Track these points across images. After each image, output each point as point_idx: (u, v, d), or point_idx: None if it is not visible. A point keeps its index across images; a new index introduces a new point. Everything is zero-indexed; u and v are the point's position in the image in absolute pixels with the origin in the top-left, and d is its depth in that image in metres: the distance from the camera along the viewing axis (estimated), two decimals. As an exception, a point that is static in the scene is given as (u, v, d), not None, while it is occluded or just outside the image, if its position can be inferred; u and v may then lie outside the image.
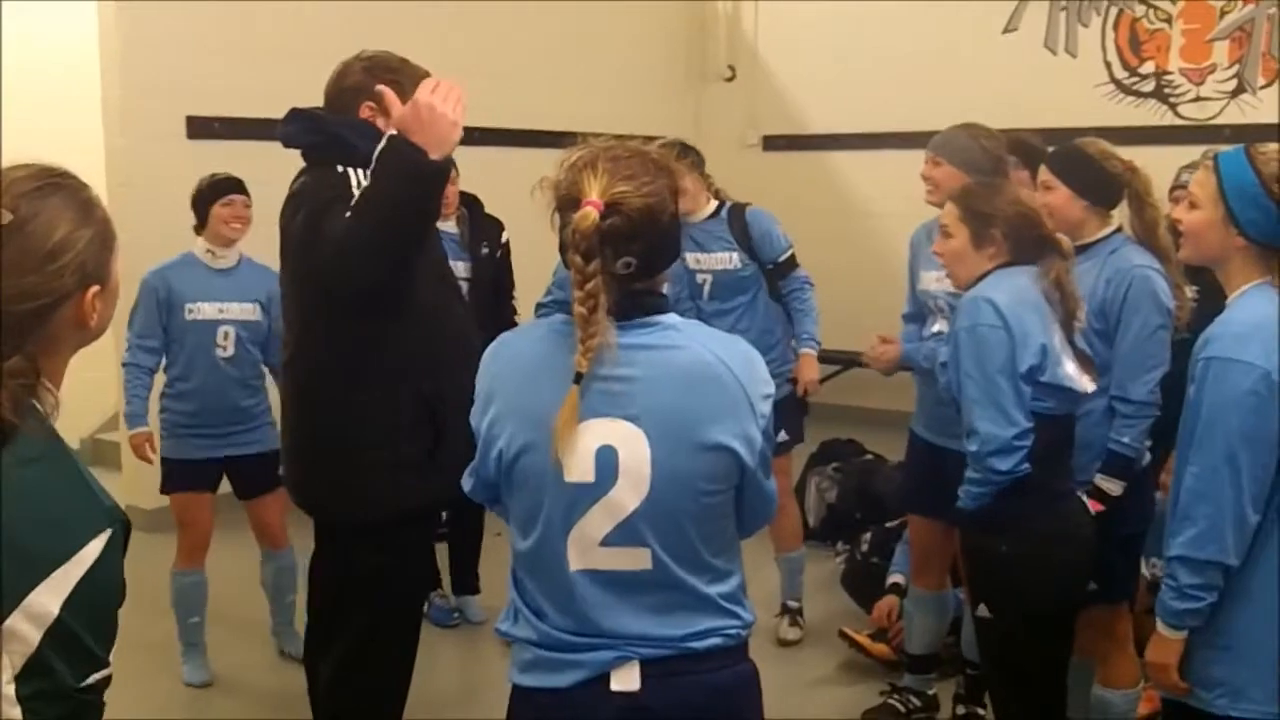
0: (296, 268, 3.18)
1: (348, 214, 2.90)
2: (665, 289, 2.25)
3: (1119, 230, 3.70)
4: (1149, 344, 3.55)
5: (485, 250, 5.26)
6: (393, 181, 2.82)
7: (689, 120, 9.61)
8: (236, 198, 4.77)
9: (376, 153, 2.85)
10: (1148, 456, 3.72)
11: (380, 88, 3.06)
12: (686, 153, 4.86)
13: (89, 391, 7.43)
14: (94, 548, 1.58)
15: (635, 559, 2.13)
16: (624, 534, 2.11)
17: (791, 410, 4.91)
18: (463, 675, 5.21)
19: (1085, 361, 3.31)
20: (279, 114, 6.62)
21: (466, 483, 2.32)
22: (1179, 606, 2.59)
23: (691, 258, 4.89)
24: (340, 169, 3.11)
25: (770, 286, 4.98)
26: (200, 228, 4.80)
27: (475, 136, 7.19)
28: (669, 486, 2.10)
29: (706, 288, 4.94)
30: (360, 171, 3.03)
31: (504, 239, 5.36)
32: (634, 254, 2.09)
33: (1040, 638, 3.31)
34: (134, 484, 6.58)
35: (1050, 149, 3.90)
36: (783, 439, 4.87)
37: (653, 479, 2.09)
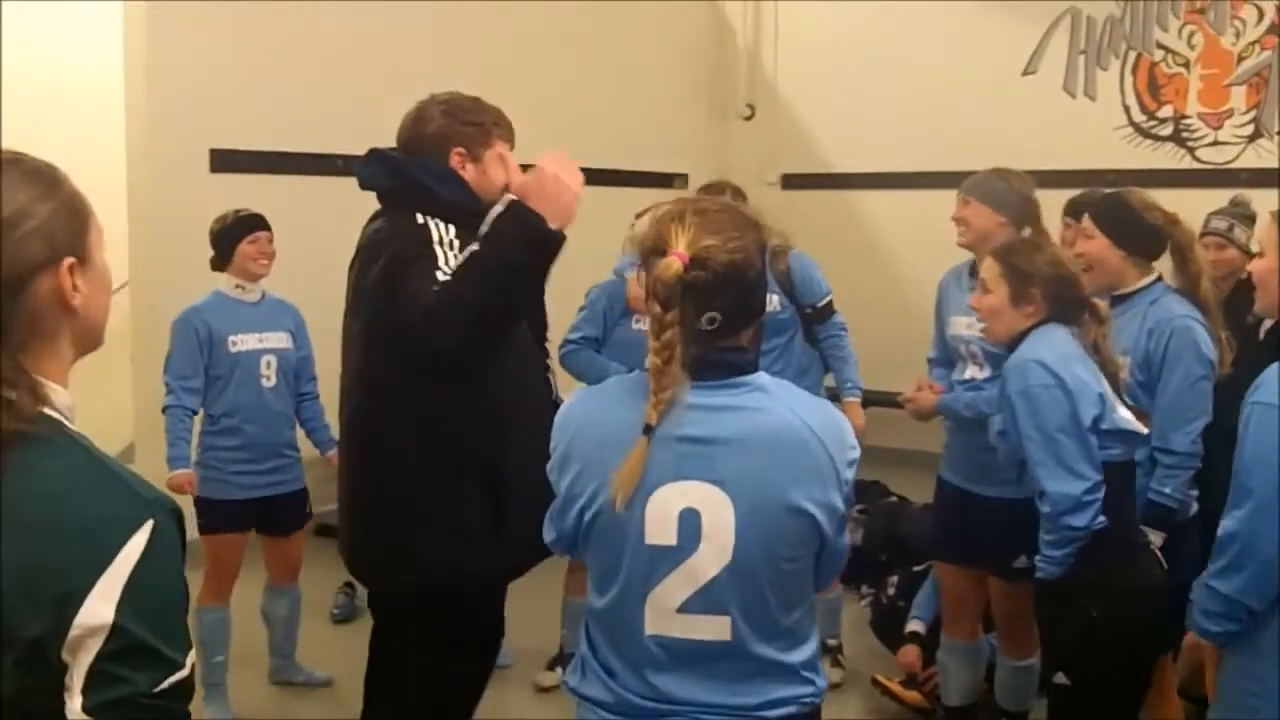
0: (371, 321, 3.03)
1: (447, 273, 2.78)
2: (749, 343, 2.19)
3: (1159, 280, 3.71)
4: (1190, 394, 3.56)
5: None
6: (511, 247, 2.71)
7: (709, 158, 9.64)
8: (262, 234, 4.80)
9: (493, 216, 2.75)
10: (1194, 507, 3.72)
11: (502, 151, 3.02)
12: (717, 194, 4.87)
13: (107, 423, 7.48)
14: (137, 542, 1.49)
15: (714, 628, 2.10)
16: (704, 600, 2.08)
17: None
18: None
19: (1134, 410, 3.29)
20: (303, 148, 6.83)
21: (548, 533, 2.27)
22: (1208, 627, 2.64)
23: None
24: (420, 219, 2.97)
25: (806, 330, 4.97)
26: (223, 263, 4.81)
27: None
28: (751, 553, 2.07)
29: None
30: (440, 222, 2.94)
31: None
32: (718, 309, 2.07)
33: (1123, 700, 3.26)
34: None
35: (1095, 199, 3.90)
36: None
37: (736, 544, 2.06)
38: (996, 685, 4.22)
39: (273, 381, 4.82)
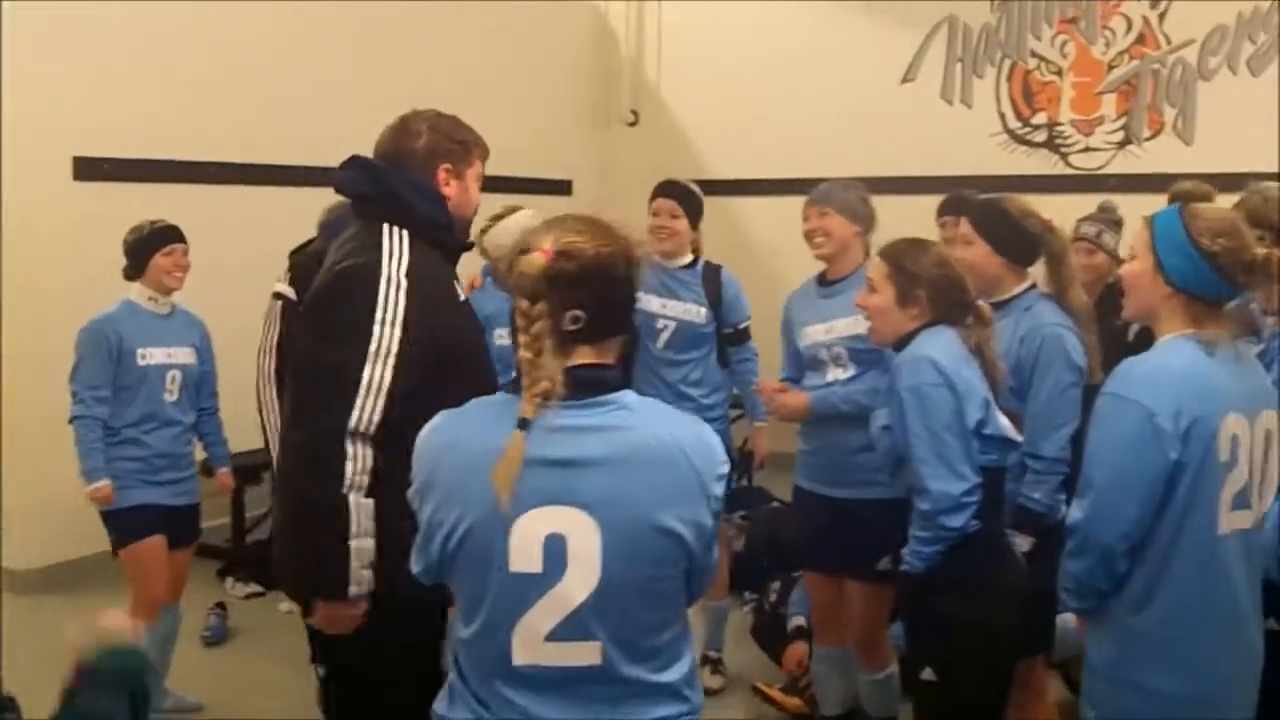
0: (316, 330, 2.91)
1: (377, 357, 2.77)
2: (616, 360, 2.15)
3: (1033, 287, 3.74)
4: (1060, 401, 3.60)
5: None
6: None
7: (594, 164, 9.62)
8: (178, 246, 4.74)
9: None
10: (1063, 510, 3.75)
11: (479, 171, 3.04)
12: (685, 195, 4.94)
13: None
14: None
15: (584, 653, 2.05)
16: (572, 627, 2.03)
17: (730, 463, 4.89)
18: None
19: (1009, 415, 3.32)
20: (171, 155, 6.61)
21: (415, 564, 2.21)
22: (1068, 601, 2.85)
23: (658, 302, 4.88)
24: (386, 229, 2.92)
25: (720, 350, 4.97)
26: (136, 274, 4.73)
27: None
28: (620, 575, 2.02)
29: (666, 334, 4.90)
30: (403, 233, 2.89)
31: None
32: (581, 304, 2.04)
33: (988, 698, 3.28)
34: (12, 545, 6.37)
35: (973, 204, 3.91)
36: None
37: (603, 568, 2.01)
38: (861, 697, 4.23)
39: (175, 396, 4.75)
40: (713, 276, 4.92)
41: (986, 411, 3.19)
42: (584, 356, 2.08)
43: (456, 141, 3.06)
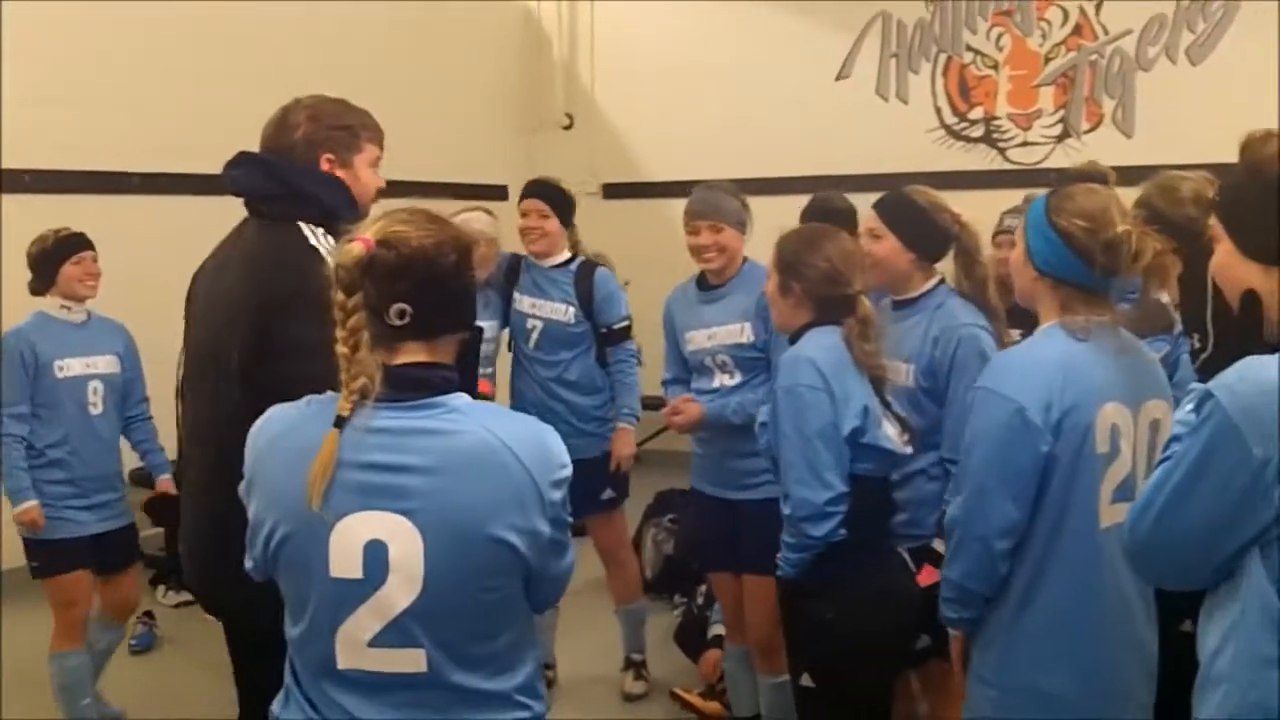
0: (243, 320, 2.69)
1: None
2: (446, 358, 2.06)
3: (942, 283, 3.64)
4: None
5: None
6: None
7: (528, 168, 9.49)
8: (86, 254, 4.60)
9: None
10: None
11: (372, 155, 2.90)
12: (554, 194, 4.86)
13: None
14: None
15: (408, 661, 1.96)
16: (395, 635, 1.95)
17: (606, 471, 4.84)
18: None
19: (903, 424, 3.24)
20: (95, 165, 6.47)
21: (247, 560, 2.12)
22: (948, 614, 2.78)
23: (528, 301, 4.86)
24: (305, 231, 2.77)
25: (599, 350, 4.88)
26: (45, 287, 4.58)
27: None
28: (445, 584, 1.93)
29: (535, 334, 4.87)
30: (319, 231, 2.75)
31: None
32: (405, 298, 1.94)
33: (866, 702, 3.22)
34: None
35: (881, 196, 3.81)
36: (608, 496, 4.85)
37: (427, 576, 1.92)
38: (761, 702, 4.17)
39: (100, 409, 4.60)
40: (586, 275, 4.84)
41: (865, 419, 3.10)
42: (414, 354, 2.00)
43: (339, 128, 2.91)
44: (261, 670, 2.90)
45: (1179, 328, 3.26)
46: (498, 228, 4.93)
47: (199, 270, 2.96)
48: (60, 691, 4.57)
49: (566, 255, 4.90)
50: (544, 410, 4.68)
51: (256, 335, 2.64)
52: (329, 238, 2.76)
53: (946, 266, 3.66)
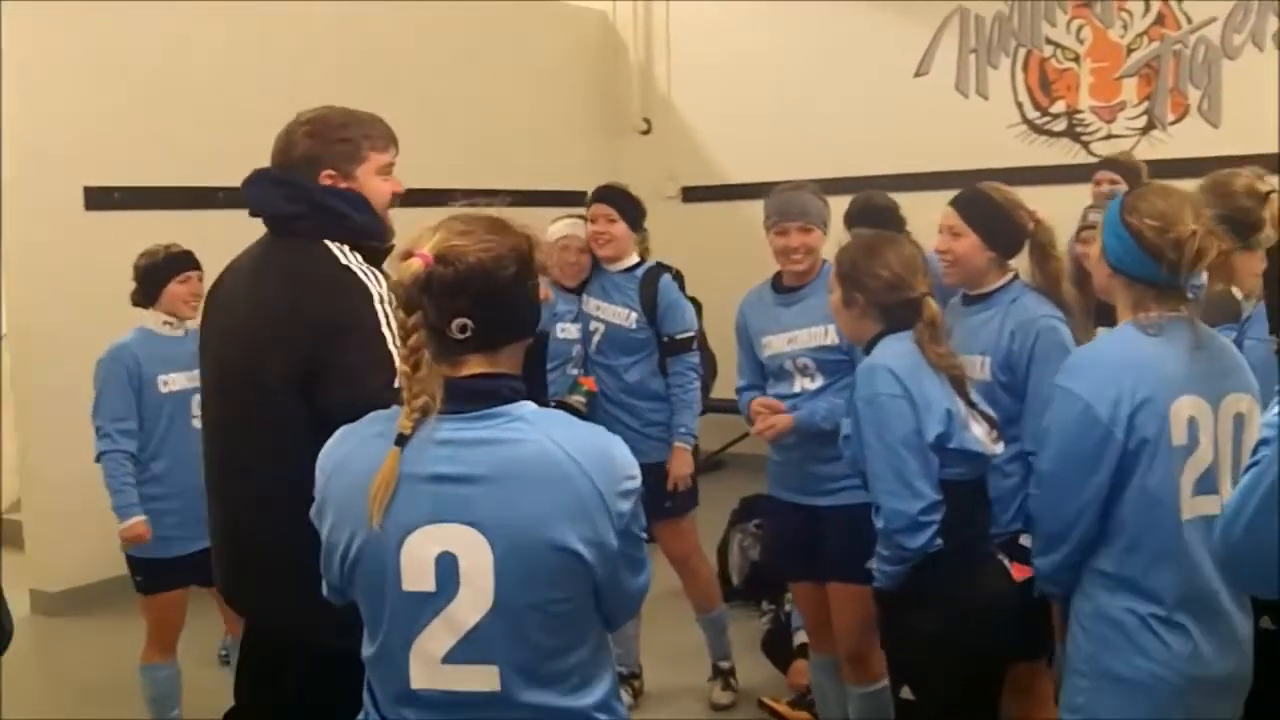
0: (268, 332, 2.72)
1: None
2: (511, 368, 2.05)
3: (1016, 278, 3.63)
4: None
5: None
6: None
7: (607, 173, 9.50)
8: (193, 274, 4.59)
9: None
10: None
11: (380, 161, 2.85)
12: (621, 199, 4.86)
13: (-9, 474, 7.23)
14: None
15: (482, 678, 1.96)
16: (468, 650, 1.94)
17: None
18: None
19: (990, 422, 3.19)
20: (179, 182, 6.59)
21: (324, 587, 2.13)
22: (1045, 589, 2.89)
23: (593, 303, 4.87)
24: (330, 246, 2.75)
25: (660, 358, 4.84)
26: (148, 302, 4.59)
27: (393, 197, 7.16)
28: (514, 597, 1.92)
29: (597, 338, 4.86)
30: (345, 249, 2.74)
31: None
32: (465, 313, 1.93)
33: (970, 713, 3.17)
34: (39, 566, 6.44)
35: (958, 194, 3.76)
36: (669, 505, 4.78)
37: (496, 588, 1.92)
38: (851, 712, 4.10)
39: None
40: (650, 281, 4.81)
41: (949, 424, 3.06)
42: (477, 366, 1.99)
43: (339, 141, 2.85)
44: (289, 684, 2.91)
45: (1246, 314, 3.28)
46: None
47: (217, 283, 2.98)
48: (151, 703, 4.63)
49: (634, 260, 4.89)
50: (600, 412, 4.70)
51: (301, 357, 2.63)
52: (355, 254, 2.76)
53: (1020, 262, 3.65)
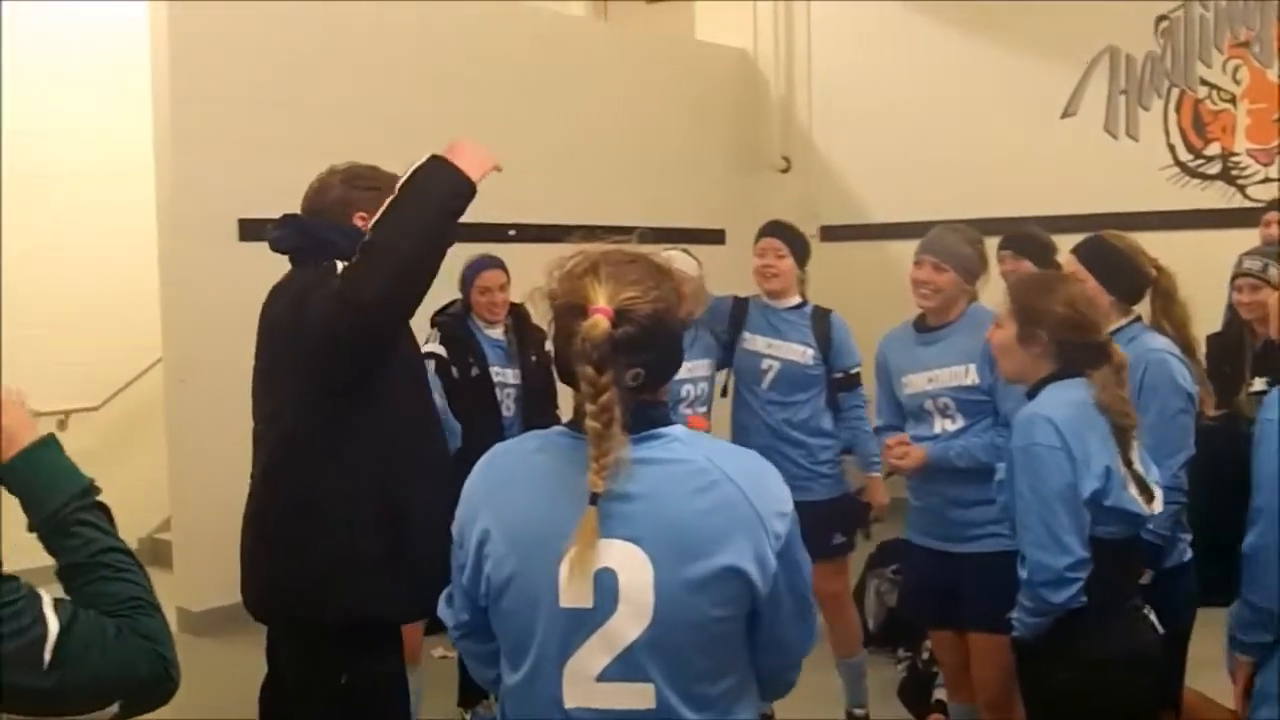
0: (281, 344, 3.11)
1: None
2: (665, 395, 2.11)
3: (1138, 319, 3.70)
4: (1169, 428, 3.49)
5: (534, 358, 5.20)
6: (430, 193, 2.85)
7: (745, 211, 9.55)
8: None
9: (411, 169, 2.88)
10: (1188, 553, 3.63)
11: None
12: (790, 235, 4.86)
13: (145, 493, 7.47)
14: None
15: (637, 696, 1.95)
16: (624, 667, 1.94)
17: (845, 512, 4.83)
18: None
19: (1141, 483, 3.10)
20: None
21: (445, 612, 2.16)
22: (1241, 637, 2.82)
23: (763, 341, 4.83)
24: (325, 264, 3.08)
25: (830, 394, 4.85)
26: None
27: (530, 233, 7.27)
28: (673, 614, 1.93)
29: (770, 375, 4.81)
30: (345, 263, 3.00)
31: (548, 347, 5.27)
32: (644, 364, 1.97)
33: None
34: (185, 585, 6.61)
35: (1080, 241, 3.87)
36: (838, 541, 4.79)
37: (656, 606, 1.93)
38: None
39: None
40: (821, 318, 4.83)
41: (1106, 482, 2.99)
42: (640, 399, 2.02)
43: (368, 188, 3.22)
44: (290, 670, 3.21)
45: None
46: (699, 269, 4.94)
47: (264, 304, 3.27)
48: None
49: (798, 298, 4.88)
50: (772, 451, 4.60)
51: (285, 336, 3.06)
52: None
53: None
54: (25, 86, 7.39)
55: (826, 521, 4.66)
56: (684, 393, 4.76)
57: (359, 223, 3.15)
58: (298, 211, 3.34)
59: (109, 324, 7.69)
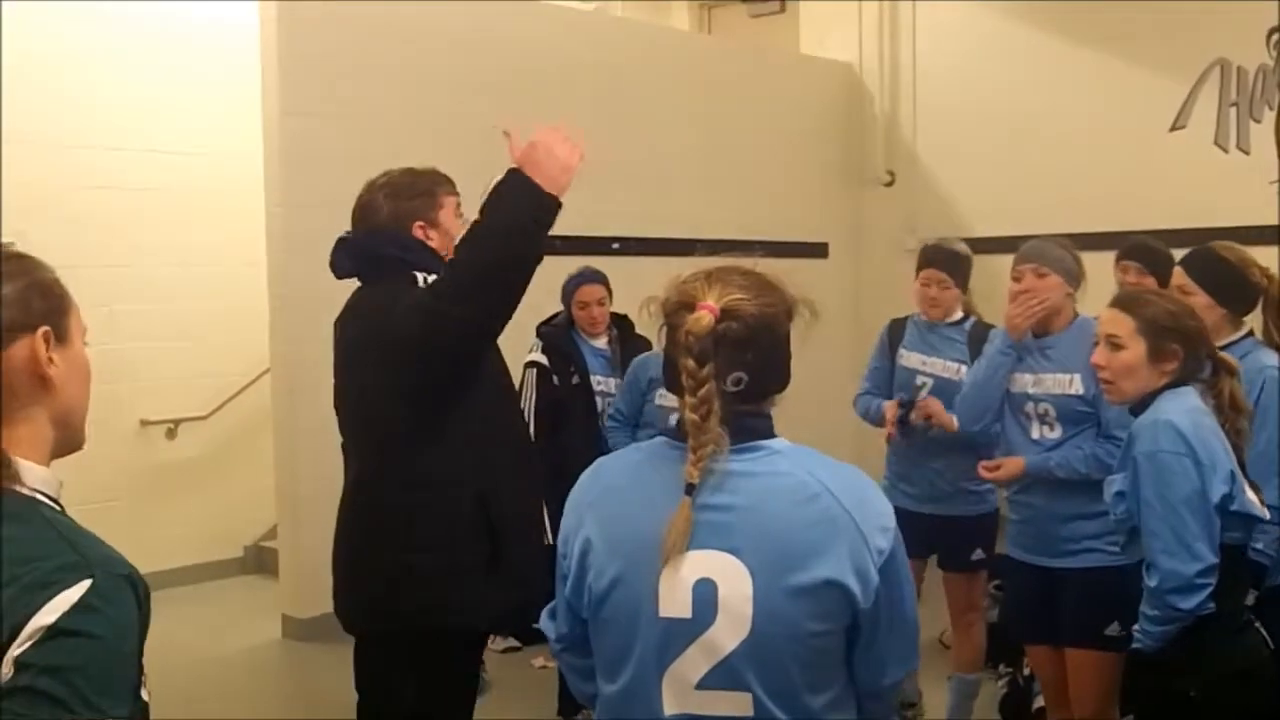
0: (366, 359, 3.13)
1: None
2: (769, 408, 2.12)
3: (1250, 334, 3.64)
4: None
5: None
6: (514, 209, 2.87)
7: (849, 225, 9.54)
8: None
9: (493, 185, 2.91)
10: None
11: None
12: (952, 262, 4.84)
13: (251, 502, 7.62)
14: (68, 596, 1.55)
15: (735, 704, 1.97)
16: (722, 676, 1.96)
17: (988, 530, 4.86)
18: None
19: (1255, 486, 3.10)
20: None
21: (547, 624, 2.20)
22: None
23: (918, 358, 4.87)
24: (420, 276, 3.13)
25: None
26: None
27: (633, 246, 7.31)
28: (772, 625, 1.94)
29: (925, 390, 4.84)
30: (423, 274, 3.08)
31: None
32: (746, 367, 1.99)
33: None
34: (290, 593, 6.72)
35: (1188, 252, 3.82)
36: (978, 557, 4.84)
37: (754, 617, 1.94)
38: None
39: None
40: (979, 335, 4.73)
41: (1233, 485, 2.97)
42: (741, 410, 2.04)
43: (418, 195, 3.27)
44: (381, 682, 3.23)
45: None
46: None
47: (337, 319, 3.35)
48: None
49: (960, 315, 4.88)
50: (922, 468, 4.77)
51: (376, 332, 3.10)
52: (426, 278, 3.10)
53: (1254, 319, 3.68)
54: (140, 103, 7.59)
55: (971, 535, 4.77)
56: None
57: (418, 233, 3.20)
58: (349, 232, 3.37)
59: (219, 336, 7.87)
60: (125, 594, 1.62)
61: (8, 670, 1.52)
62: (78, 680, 1.53)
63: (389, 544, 3.10)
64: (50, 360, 1.70)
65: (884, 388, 4.98)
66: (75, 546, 1.62)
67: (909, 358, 4.88)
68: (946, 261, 4.83)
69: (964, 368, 4.74)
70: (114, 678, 1.58)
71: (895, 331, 5.00)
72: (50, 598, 1.55)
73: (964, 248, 4.93)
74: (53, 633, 1.53)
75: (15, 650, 1.52)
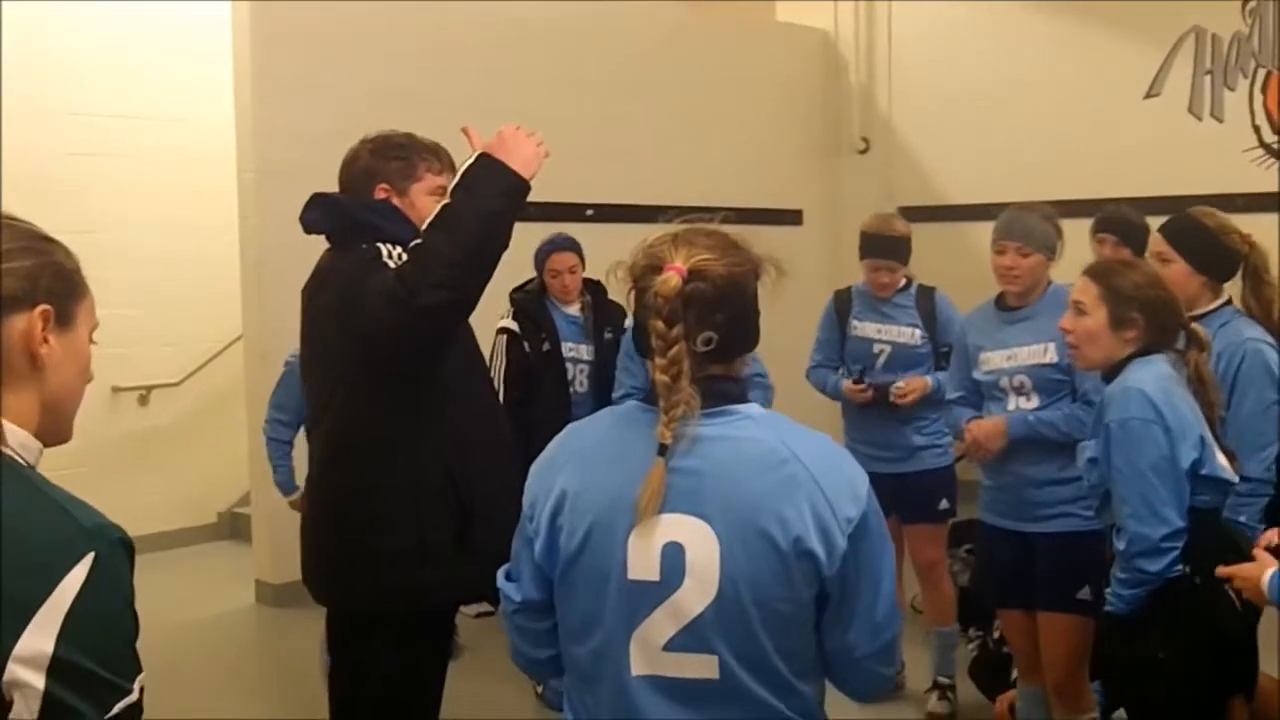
0: (331, 331, 3.05)
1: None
2: (740, 372, 2.12)
3: (1229, 303, 3.65)
4: (1263, 420, 3.46)
5: (609, 335, 5.25)
6: (484, 194, 2.83)
7: (824, 193, 9.53)
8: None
9: (462, 170, 2.87)
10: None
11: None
12: (892, 248, 4.94)
13: (225, 468, 7.62)
14: (77, 575, 1.54)
15: (702, 666, 1.98)
16: (690, 639, 1.97)
17: (951, 480, 5.04)
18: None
19: (1227, 452, 3.14)
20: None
21: (508, 586, 2.18)
22: None
23: (873, 327, 5.02)
24: (383, 247, 3.02)
25: (937, 365, 4.98)
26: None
27: (608, 213, 7.30)
28: (738, 590, 1.95)
29: (883, 358, 5.02)
30: (389, 246, 2.99)
31: (627, 324, 5.31)
32: (715, 327, 1.99)
33: None
34: (264, 559, 6.75)
35: (1168, 219, 3.82)
36: (944, 507, 5.03)
37: (721, 580, 1.95)
38: None
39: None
40: (926, 298, 5.00)
41: (1202, 451, 3.02)
42: (713, 372, 2.04)
43: (396, 158, 3.15)
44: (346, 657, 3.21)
45: None
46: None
47: (305, 287, 3.23)
48: None
49: (902, 282, 5.03)
50: (883, 428, 4.95)
51: (345, 308, 2.96)
52: (396, 249, 3.00)
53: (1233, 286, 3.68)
54: (112, 69, 7.56)
55: (936, 486, 4.97)
56: None
57: (380, 194, 3.10)
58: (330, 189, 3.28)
59: (191, 303, 7.85)
60: (121, 561, 1.61)
61: (30, 655, 1.50)
62: (106, 662, 1.54)
63: (355, 524, 3.05)
64: (45, 340, 1.68)
65: (835, 359, 5.13)
66: (70, 515, 1.60)
67: (863, 328, 5.03)
68: (891, 249, 4.95)
69: (918, 331, 4.96)
70: (126, 649, 1.60)
71: (842, 302, 5.13)
72: (59, 580, 1.53)
73: (904, 227, 5.06)
74: (74, 618, 1.52)
75: (35, 638, 1.50)
